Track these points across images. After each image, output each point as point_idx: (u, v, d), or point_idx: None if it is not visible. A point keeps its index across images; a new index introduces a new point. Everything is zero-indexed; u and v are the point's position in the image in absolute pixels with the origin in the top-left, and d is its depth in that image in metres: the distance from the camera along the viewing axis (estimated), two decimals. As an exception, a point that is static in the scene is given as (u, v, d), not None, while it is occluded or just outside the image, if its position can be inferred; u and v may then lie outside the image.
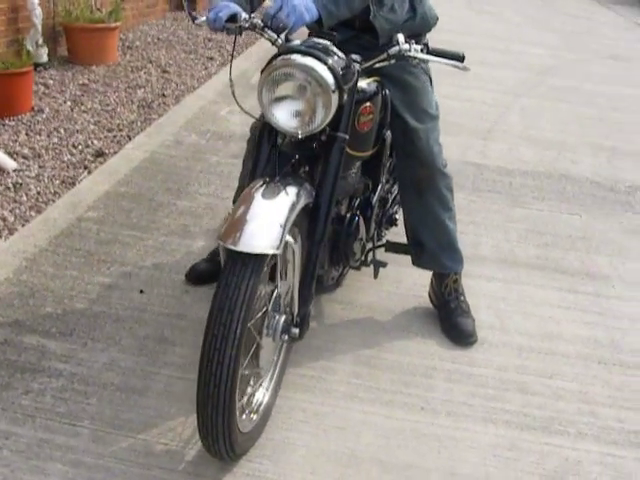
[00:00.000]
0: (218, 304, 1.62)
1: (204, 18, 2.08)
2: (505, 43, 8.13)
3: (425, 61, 2.15)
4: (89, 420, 2.04)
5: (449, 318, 2.56)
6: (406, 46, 1.98)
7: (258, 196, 1.76)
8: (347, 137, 1.98)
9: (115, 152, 3.93)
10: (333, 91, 1.81)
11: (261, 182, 1.84)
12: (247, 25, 2.02)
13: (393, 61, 2.02)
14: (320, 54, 1.82)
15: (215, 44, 6.57)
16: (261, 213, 1.71)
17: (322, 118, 1.83)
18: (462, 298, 2.61)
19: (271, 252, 1.66)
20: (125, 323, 2.47)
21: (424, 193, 2.46)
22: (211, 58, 6.10)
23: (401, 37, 2.00)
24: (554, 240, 3.38)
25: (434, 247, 2.53)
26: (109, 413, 2.07)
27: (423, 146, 2.39)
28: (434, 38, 2.49)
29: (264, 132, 1.97)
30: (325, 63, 1.80)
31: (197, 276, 2.72)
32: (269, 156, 1.97)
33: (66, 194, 3.35)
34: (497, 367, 2.44)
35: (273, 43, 2.01)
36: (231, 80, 2.08)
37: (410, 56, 1.99)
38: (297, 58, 1.79)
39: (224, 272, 1.66)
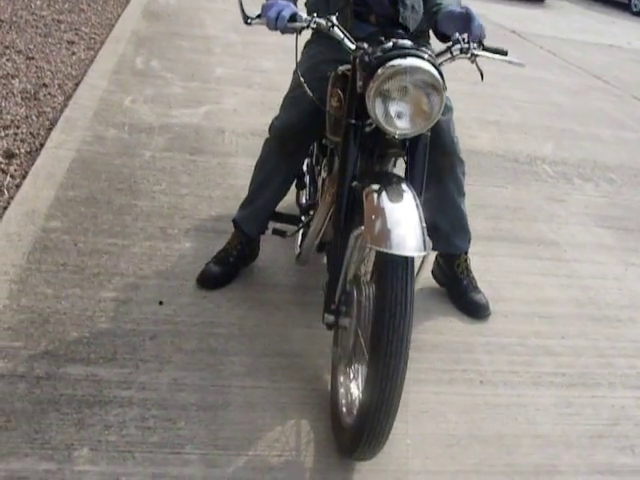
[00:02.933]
0: (390, 310, 1.64)
1: (261, 19, 2.01)
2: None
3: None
4: (190, 445, 1.95)
5: (464, 295, 2.73)
6: (466, 45, 2.07)
7: (387, 199, 1.78)
8: (429, 134, 2.03)
9: (28, 152, 3.61)
10: (444, 89, 1.85)
11: (378, 185, 1.85)
12: (314, 25, 2.00)
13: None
14: (425, 55, 1.85)
15: (68, 26, 6.12)
16: (401, 216, 1.73)
17: (436, 117, 1.87)
18: (472, 275, 2.78)
19: (423, 253, 1.70)
20: (163, 338, 2.35)
21: (444, 180, 2.57)
22: (72, 42, 5.68)
23: (459, 36, 2.08)
24: (497, 212, 3.67)
25: (448, 230, 2.67)
26: (205, 434, 2.00)
27: (446, 136, 2.50)
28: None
29: (350, 134, 1.96)
30: (433, 64, 1.84)
31: (212, 281, 2.63)
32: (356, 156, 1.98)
33: (12, 203, 3.04)
34: (519, 335, 2.66)
35: (349, 50, 2.00)
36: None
37: (474, 54, 2.08)
38: (414, 62, 1.80)
39: (385, 276, 1.67)
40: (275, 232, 2.67)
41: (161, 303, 2.52)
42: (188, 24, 6.77)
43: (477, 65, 2.14)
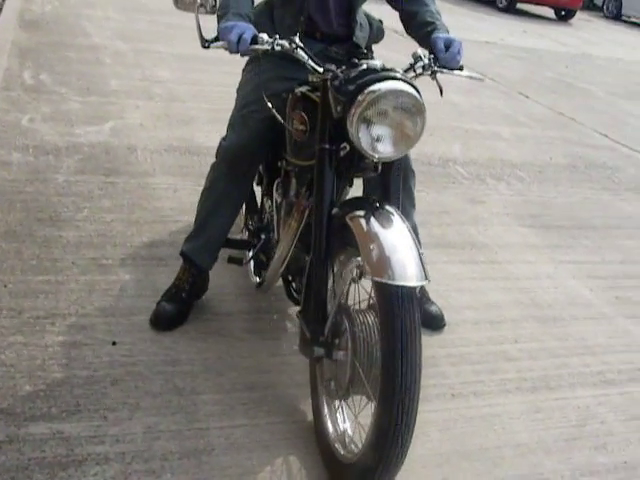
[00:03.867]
0: (401, 342, 1.60)
1: (221, 42, 1.91)
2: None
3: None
4: (181, 498, 1.83)
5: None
6: (428, 62, 2.06)
7: (379, 226, 1.73)
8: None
9: None
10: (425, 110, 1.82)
11: (363, 211, 1.80)
12: (278, 48, 1.93)
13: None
14: (403, 77, 1.81)
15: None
16: (397, 244, 1.69)
17: (418, 139, 1.84)
18: (424, 287, 2.79)
19: (425, 282, 1.67)
20: (126, 383, 2.20)
21: None
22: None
23: (420, 51, 2.07)
24: (425, 218, 3.68)
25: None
26: (195, 484, 1.88)
27: None
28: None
29: (325, 159, 1.90)
30: (412, 85, 1.80)
31: (167, 322, 2.48)
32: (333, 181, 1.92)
33: None
34: (475, 343, 2.69)
35: (316, 73, 1.93)
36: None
37: (435, 71, 2.08)
38: (395, 86, 1.75)
39: (392, 308, 1.62)
40: (231, 261, 2.56)
41: (114, 343, 2.36)
42: (70, 33, 6.42)
43: (437, 82, 2.14)
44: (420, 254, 1.68)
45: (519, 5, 15.06)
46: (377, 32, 2.48)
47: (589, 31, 14.55)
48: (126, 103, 4.78)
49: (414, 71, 2.05)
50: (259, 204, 2.72)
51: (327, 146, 1.90)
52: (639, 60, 11.08)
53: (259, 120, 2.30)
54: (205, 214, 2.45)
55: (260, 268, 2.54)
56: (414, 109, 1.77)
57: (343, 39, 2.37)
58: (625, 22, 17.45)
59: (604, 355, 2.75)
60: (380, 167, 1.93)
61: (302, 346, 2.15)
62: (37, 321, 2.41)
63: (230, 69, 6.12)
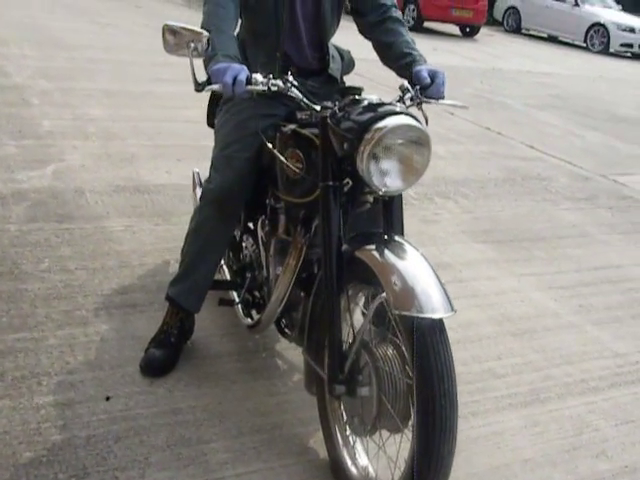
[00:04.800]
0: (437, 375, 1.61)
1: (216, 85, 1.89)
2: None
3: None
4: None
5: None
6: (414, 93, 2.10)
7: (397, 259, 1.75)
8: None
9: None
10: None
11: (375, 245, 1.81)
12: (274, 88, 1.93)
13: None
14: (406, 111, 1.84)
15: None
16: (419, 275, 1.71)
17: (425, 171, 1.87)
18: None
19: (452, 313, 1.68)
20: (130, 439, 2.12)
21: None
22: None
23: (407, 84, 2.11)
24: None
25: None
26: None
27: None
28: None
29: (330, 196, 1.91)
30: (416, 118, 1.84)
31: (158, 368, 2.42)
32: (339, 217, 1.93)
33: None
34: (461, 362, 2.73)
35: (313, 110, 1.94)
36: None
37: (422, 102, 2.12)
38: (403, 121, 1.78)
39: (424, 342, 1.63)
40: (223, 303, 2.51)
41: (108, 398, 2.27)
42: (-12, 73, 6.19)
43: (423, 112, 2.19)
44: (442, 284, 1.71)
45: (426, 24, 15.52)
46: (348, 63, 2.52)
47: (494, 45, 15.13)
48: (63, 144, 4.63)
49: (403, 102, 2.08)
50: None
51: (331, 183, 1.90)
52: (545, 71, 11.59)
53: (243, 160, 2.28)
54: (192, 257, 2.41)
55: (249, 308, 2.51)
56: (421, 141, 1.80)
57: (317, 72, 2.39)
58: (524, 35, 18.25)
59: (581, 363, 2.85)
60: (380, 200, 1.96)
61: (308, 384, 2.14)
62: (22, 382, 2.30)
63: (161, 103, 6.08)
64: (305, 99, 1.96)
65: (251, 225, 2.58)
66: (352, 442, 2.04)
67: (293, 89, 1.95)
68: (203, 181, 2.40)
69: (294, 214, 2.22)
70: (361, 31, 2.43)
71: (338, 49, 2.51)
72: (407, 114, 1.82)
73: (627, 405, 2.61)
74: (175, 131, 5.29)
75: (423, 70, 2.15)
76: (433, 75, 2.14)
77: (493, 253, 3.80)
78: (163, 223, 3.65)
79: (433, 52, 11.76)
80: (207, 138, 5.23)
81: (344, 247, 1.89)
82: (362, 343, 1.86)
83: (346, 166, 1.89)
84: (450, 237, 3.94)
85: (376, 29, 2.36)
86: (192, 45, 1.86)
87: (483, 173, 5.21)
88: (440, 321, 1.67)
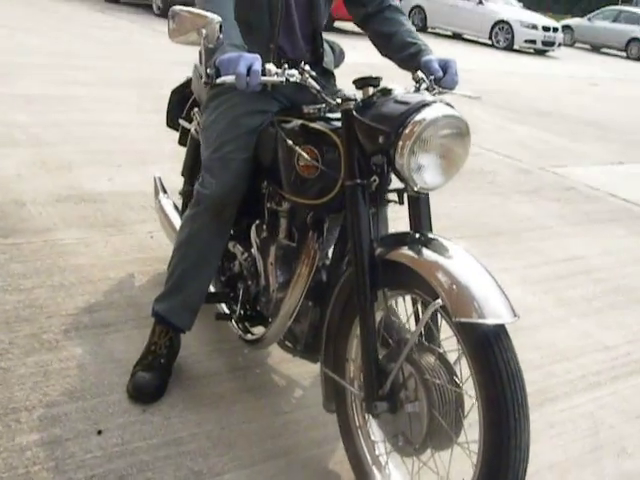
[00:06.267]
0: (509, 385, 1.47)
1: (229, 76, 1.69)
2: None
3: None
4: None
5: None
6: (429, 83, 1.97)
7: (446, 260, 1.60)
8: None
9: None
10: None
11: (415, 246, 1.66)
12: (292, 79, 1.75)
13: None
14: (442, 100, 1.70)
15: None
16: (475, 278, 1.56)
17: (464, 163, 1.73)
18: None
19: (517, 318, 1.55)
20: (133, 477, 1.89)
21: None
22: None
23: (421, 75, 1.97)
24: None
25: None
26: None
27: None
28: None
29: (358, 196, 1.74)
30: (452, 107, 1.70)
31: (150, 393, 2.19)
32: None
33: None
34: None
35: (333, 103, 1.78)
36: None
37: (437, 93, 1.99)
38: (444, 110, 1.63)
39: (491, 350, 1.49)
40: (220, 317, 2.30)
41: (100, 432, 2.03)
42: None
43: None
44: (499, 285, 1.57)
45: (336, 23, 15.52)
46: (339, 55, 2.36)
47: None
48: (-9, 152, 4.26)
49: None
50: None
51: (359, 181, 1.74)
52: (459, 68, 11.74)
53: (241, 161, 2.09)
54: (185, 269, 2.18)
55: (246, 322, 2.30)
56: (462, 132, 1.66)
57: (310, 65, 2.22)
58: (430, 33, 18.55)
59: (578, 358, 2.80)
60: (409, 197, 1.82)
61: (327, 401, 1.98)
62: (1, 420, 2.01)
63: (87, 106, 5.73)
64: (324, 91, 1.79)
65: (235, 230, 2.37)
66: (384, 462, 1.88)
67: (310, 80, 1.77)
68: (196, 185, 2.15)
69: (301, 217, 2.04)
70: (357, 22, 2.29)
71: (328, 41, 2.35)
72: (444, 103, 1.67)
73: (632, 398, 2.56)
74: (108, 135, 4.99)
75: (434, 61, 2.02)
76: (445, 65, 2.01)
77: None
78: (117, 234, 3.38)
79: (354, 50, 11.73)
80: (144, 141, 4.99)
81: (379, 251, 1.72)
82: (409, 355, 1.70)
83: (373, 162, 1.74)
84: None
85: (375, 19, 2.21)
86: (204, 32, 1.65)
87: (432, 169, 5.14)
88: (504, 327, 1.53)
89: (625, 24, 20.33)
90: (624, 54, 20.05)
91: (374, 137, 1.68)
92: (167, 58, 8.58)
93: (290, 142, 1.93)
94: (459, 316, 1.50)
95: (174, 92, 3.00)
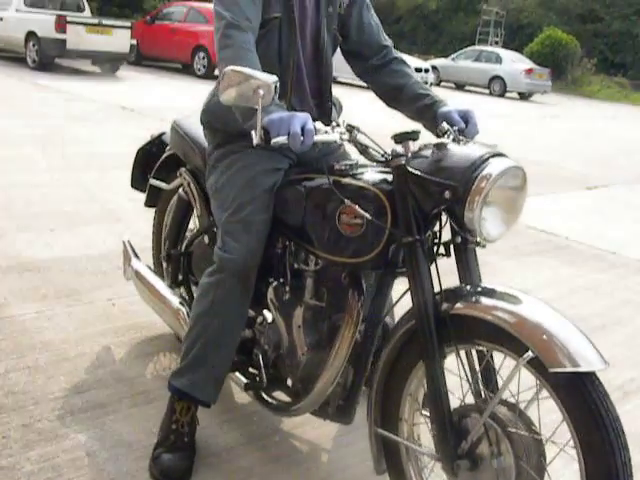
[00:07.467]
0: (614, 429, 1.47)
1: (282, 137, 1.64)
2: None
3: None
4: None
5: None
6: (455, 134, 1.98)
7: (527, 311, 1.59)
8: None
9: None
10: None
11: (486, 299, 1.65)
12: (345, 137, 1.73)
13: None
14: (499, 152, 1.72)
15: None
16: (560, 327, 1.57)
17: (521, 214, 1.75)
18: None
19: (607, 365, 1.55)
20: None
21: None
22: None
23: (447, 126, 1.98)
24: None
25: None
26: None
27: None
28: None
29: (419, 252, 1.72)
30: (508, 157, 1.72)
31: (179, 477, 2.05)
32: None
33: None
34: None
35: (376, 155, 1.77)
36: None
37: (465, 143, 2.01)
38: (508, 163, 1.65)
39: (588, 397, 1.49)
40: (249, 388, 2.17)
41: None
42: None
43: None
44: (582, 330, 1.59)
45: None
46: (339, 109, 2.35)
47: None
48: None
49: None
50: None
51: (418, 237, 1.71)
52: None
53: (262, 222, 2.01)
54: (207, 340, 2.05)
55: (272, 389, 2.19)
56: (523, 182, 1.69)
57: (319, 119, 2.20)
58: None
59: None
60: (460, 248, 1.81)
61: (378, 463, 1.92)
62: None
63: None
64: (373, 144, 1.78)
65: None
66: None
67: (360, 136, 1.75)
68: (217, 251, 2.03)
69: (333, 276, 1.99)
70: (359, 74, 2.28)
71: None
72: (502, 155, 1.70)
73: None
74: (28, 198, 4.72)
75: (453, 112, 2.04)
76: (465, 115, 2.04)
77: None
78: (75, 304, 3.16)
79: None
80: (67, 202, 4.73)
81: (445, 306, 1.70)
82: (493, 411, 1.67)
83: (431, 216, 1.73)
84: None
85: (381, 71, 2.22)
86: (261, 92, 1.59)
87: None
88: (595, 374, 1.54)
89: (486, 63, 21.64)
90: (487, 91, 21.29)
91: (435, 192, 1.67)
92: (58, 113, 8.28)
93: (329, 200, 1.88)
94: (554, 366, 1.50)
95: (140, 150, 2.87)
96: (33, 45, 12.76)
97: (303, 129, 1.64)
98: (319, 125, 1.70)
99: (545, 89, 21.54)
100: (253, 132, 1.64)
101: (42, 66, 12.73)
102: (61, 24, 12.44)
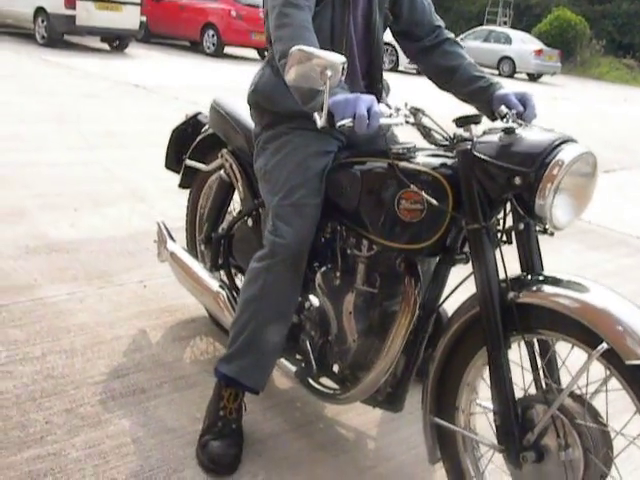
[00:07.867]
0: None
1: (347, 120, 1.58)
2: None
3: None
4: None
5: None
6: (514, 117, 1.92)
7: (600, 301, 1.54)
8: None
9: None
10: None
11: (554, 289, 1.61)
12: (410, 120, 1.68)
13: None
14: (570, 137, 1.66)
15: None
16: (631, 315, 1.52)
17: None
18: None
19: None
20: None
21: None
22: None
23: (507, 110, 1.92)
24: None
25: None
26: None
27: None
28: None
29: (485, 240, 1.67)
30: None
31: (228, 464, 2.02)
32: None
33: None
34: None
35: (440, 139, 1.72)
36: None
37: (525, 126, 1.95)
38: (580, 148, 1.59)
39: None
40: (299, 374, 2.13)
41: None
42: None
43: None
44: None
45: (226, 49, 15.41)
46: (388, 91, 2.28)
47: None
48: None
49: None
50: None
51: (484, 224, 1.66)
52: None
53: (314, 206, 1.96)
54: (257, 326, 2.01)
55: (321, 376, 2.15)
56: (594, 168, 1.64)
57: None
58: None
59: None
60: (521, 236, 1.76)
61: (432, 453, 1.88)
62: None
63: (13, 146, 5.32)
64: (438, 128, 1.72)
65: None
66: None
67: (425, 118, 1.69)
68: (268, 235, 1.98)
69: (387, 262, 1.94)
70: (410, 55, 2.22)
71: None
72: (573, 140, 1.64)
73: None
74: (50, 177, 4.66)
75: (510, 95, 1.98)
76: (523, 98, 1.98)
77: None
78: (107, 285, 3.12)
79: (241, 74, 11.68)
80: (88, 181, 4.67)
81: (511, 294, 1.65)
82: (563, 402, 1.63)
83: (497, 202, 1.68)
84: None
85: (433, 53, 2.16)
86: (328, 73, 1.53)
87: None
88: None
89: (495, 43, 21.46)
90: (496, 72, 21.13)
91: (504, 178, 1.62)
92: (69, 90, 8.20)
93: (388, 185, 1.83)
94: (632, 358, 1.46)
95: (175, 131, 2.82)
96: (42, 21, 12.61)
97: (369, 111, 1.59)
98: (384, 108, 1.64)
99: (554, 70, 21.37)
100: (316, 114, 1.60)
101: (51, 42, 12.58)
102: (70, 0, 12.28)
